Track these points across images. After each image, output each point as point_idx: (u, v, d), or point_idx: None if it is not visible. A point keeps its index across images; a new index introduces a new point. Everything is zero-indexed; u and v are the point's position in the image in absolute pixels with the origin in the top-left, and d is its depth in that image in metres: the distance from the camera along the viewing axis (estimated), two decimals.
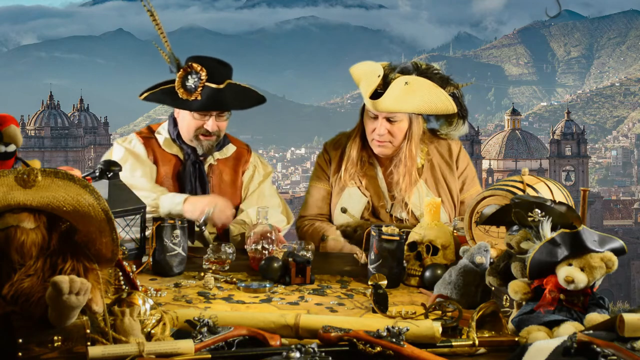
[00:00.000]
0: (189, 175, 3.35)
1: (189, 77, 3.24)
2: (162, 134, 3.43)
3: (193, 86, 3.22)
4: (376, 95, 3.15)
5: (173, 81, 3.29)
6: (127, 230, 2.74)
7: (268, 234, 2.83)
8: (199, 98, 3.22)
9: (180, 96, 3.24)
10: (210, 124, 3.30)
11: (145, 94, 3.32)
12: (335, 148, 3.41)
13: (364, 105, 3.27)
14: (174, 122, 3.41)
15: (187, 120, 3.33)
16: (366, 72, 3.23)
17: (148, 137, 3.43)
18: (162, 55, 3.31)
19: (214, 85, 3.23)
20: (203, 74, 3.22)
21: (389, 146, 3.25)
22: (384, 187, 3.33)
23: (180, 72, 3.25)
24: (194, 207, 3.16)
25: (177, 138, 3.39)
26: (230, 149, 3.49)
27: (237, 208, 3.43)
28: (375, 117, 3.22)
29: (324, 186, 3.40)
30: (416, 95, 3.14)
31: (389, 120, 3.20)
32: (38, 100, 60.77)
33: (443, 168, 3.35)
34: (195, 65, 3.24)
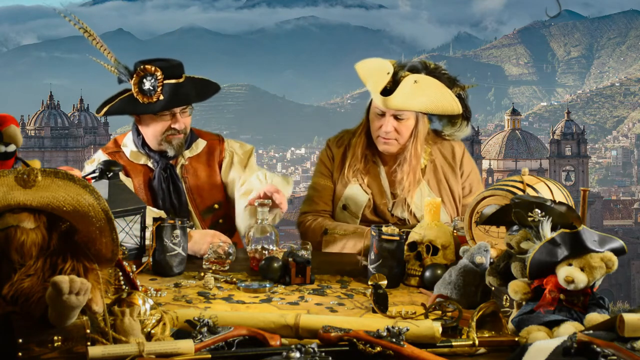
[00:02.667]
0: (159, 182, 3.29)
1: (145, 80, 3.17)
2: (128, 146, 3.36)
3: (152, 87, 3.17)
4: (385, 92, 3.15)
5: (127, 90, 3.23)
6: (127, 230, 2.74)
7: (268, 234, 2.83)
8: (161, 98, 3.17)
9: (141, 101, 3.18)
10: (178, 121, 3.24)
11: (105, 109, 3.24)
12: (339, 145, 3.41)
13: (370, 102, 3.27)
14: (137, 131, 3.35)
15: (151, 125, 3.27)
16: (374, 69, 3.23)
17: (115, 151, 3.36)
18: (107, 69, 3.27)
19: (173, 81, 3.19)
20: (159, 74, 3.16)
21: (394, 144, 3.25)
22: (387, 186, 3.32)
23: (134, 79, 3.19)
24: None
25: (142, 147, 3.33)
26: (200, 145, 3.42)
27: (220, 204, 3.40)
28: (383, 114, 3.22)
29: (327, 182, 3.39)
30: (424, 94, 3.15)
31: (396, 117, 3.20)
32: (38, 100, 60.78)
33: (446, 169, 3.35)
34: (148, 67, 3.17)
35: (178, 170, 3.36)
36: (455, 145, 3.39)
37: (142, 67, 3.18)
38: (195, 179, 3.37)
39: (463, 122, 3.31)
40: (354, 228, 3.21)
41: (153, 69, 3.17)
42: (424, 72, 3.19)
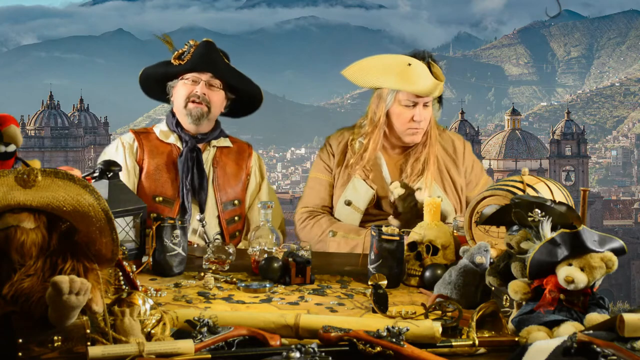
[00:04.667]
0: (186, 160, 3.36)
1: (185, 51, 3.35)
2: (159, 127, 3.49)
3: (186, 52, 3.34)
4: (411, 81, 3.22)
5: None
6: (127, 230, 2.74)
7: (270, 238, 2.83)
8: (189, 58, 3.32)
9: (174, 64, 3.35)
10: (200, 87, 3.33)
11: (142, 70, 3.45)
12: (339, 142, 3.43)
13: (393, 98, 3.27)
14: (172, 114, 3.45)
15: (179, 92, 3.38)
16: (389, 66, 3.28)
17: (142, 132, 3.49)
18: (168, 48, 3.43)
19: (204, 40, 3.34)
20: (195, 42, 3.35)
21: (422, 132, 3.33)
22: (389, 179, 3.34)
23: (179, 50, 3.37)
24: None
25: (176, 126, 3.42)
26: (228, 141, 3.52)
27: (239, 200, 3.46)
28: (414, 105, 3.26)
29: (326, 178, 3.41)
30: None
31: (425, 105, 3.28)
32: (38, 100, 60.79)
33: (447, 161, 3.38)
34: (192, 40, 3.36)
35: (205, 156, 3.42)
36: (454, 139, 3.46)
37: (189, 41, 3.37)
38: (223, 172, 3.45)
39: (438, 104, 3.44)
40: (356, 230, 3.24)
41: (193, 41, 3.36)
42: (428, 59, 3.30)
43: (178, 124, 3.42)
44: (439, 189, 3.29)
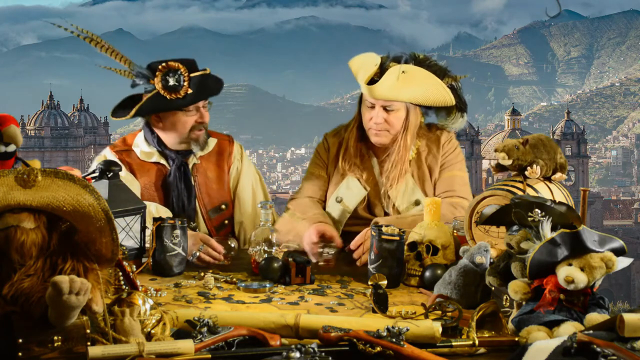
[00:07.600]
0: (175, 180, 3.28)
1: (168, 77, 3.16)
2: (140, 146, 3.34)
3: (177, 83, 3.16)
4: (372, 83, 3.12)
5: (143, 94, 3.21)
6: (127, 230, 2.74)
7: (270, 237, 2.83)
8: (189, 92, 3.17)
9: (169, 98, 3.16)
10: (204, 114, 3.26)
11: (134, 111, 3.19)
12: (335, 138, 3.40)
13: (362, 95, 3.26)
14: (150, 131, 3.32)
15: (181, 122, 3.24)
16: (363, 62, 3.22)
17: (123, 150, 3.34)
18: (120, 74, 3.24)
19: (199, 73, 3.20)
20: (183, 69, 3.16)
21: (386, 135, 3.21)
22: (382, 184, 3.31)
23: (157, 77, 3.16)
24: None
25: (158, 145, 3.30)
26: (211, 144, 3.42)
27: (226, 204, 3.40)
28: (373, 106, 3.19)
29: (321, 172, 3.37)
30: (412, 85, 3.12)
31: (385, 109, 3.16)
32: (38, 100, 60.86)
33: (430, 160, 3.28)
34: (170, 63, 3.17)
35: (189, 168, 3.35)
36: (441, 135, 3.33)
37: (164, 64, 3.17)
38: (204, 178, 3.37)
39: (457, 113, 3.26)
40: (312, 214, 3.17)
41: (176, 65, 3.17)
42: (412, 63, 3.16)
43: (160, 142, 3.30)
44: (419, 192, 3.25)
